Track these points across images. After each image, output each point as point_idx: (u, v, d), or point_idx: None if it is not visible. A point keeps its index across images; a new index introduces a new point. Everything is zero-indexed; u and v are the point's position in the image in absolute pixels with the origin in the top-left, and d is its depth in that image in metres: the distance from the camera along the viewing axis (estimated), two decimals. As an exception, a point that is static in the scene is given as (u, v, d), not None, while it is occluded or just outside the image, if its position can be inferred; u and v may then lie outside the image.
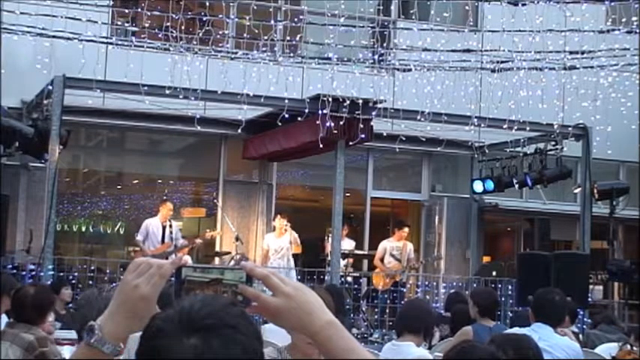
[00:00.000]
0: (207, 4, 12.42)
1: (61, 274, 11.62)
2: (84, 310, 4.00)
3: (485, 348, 3.00)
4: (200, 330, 1.41)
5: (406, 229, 14.14)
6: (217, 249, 14.51)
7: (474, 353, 2.89)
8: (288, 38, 12.90)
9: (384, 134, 13.61)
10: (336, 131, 11.79)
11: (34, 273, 11.49)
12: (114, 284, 11.88)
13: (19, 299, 5.02)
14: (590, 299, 12.15)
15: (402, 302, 11.86)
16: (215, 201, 15.06)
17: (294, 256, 13.73)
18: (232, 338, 1.42)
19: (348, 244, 14.05)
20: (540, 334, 5.61)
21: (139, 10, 12.55)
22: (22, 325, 4.82)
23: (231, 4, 12.68)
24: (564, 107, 14.22)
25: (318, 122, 11.65)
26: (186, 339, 1.40)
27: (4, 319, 5.91)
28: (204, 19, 12.26)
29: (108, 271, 13.10)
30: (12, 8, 11.87)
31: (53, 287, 8.71)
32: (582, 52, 12.65)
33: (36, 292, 4.97)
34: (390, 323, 12.58)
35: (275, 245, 13.48)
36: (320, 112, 11.65)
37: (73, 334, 5.74)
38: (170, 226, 12.93)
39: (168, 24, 11.71)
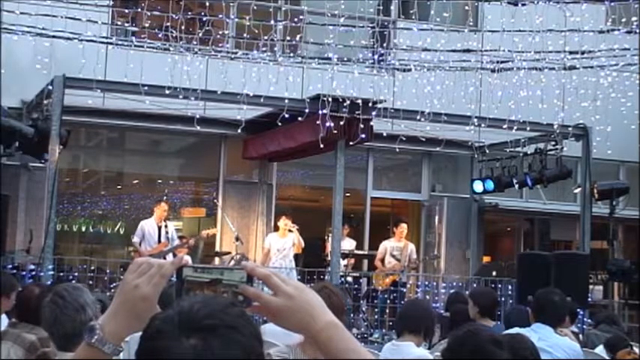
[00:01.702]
0: (207, 4, 12.41)
1: (61, 274, 11.63)
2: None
3: (488, 333, 3.03)
4: (200, 330, 1.41)
5: (404, 226, 14.10)
6: (217, 249, 14.51)
7: (479, 335, 2.93)
8: (288, 38, 12.90)
9: (384, 134, 13.59)
10: (336, 131, 11.78)
11: (34, 273, 11.48)
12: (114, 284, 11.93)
13: (23, 299, 5.01)
14: (590, 299, 12.15)
15: (402, 302, 11.86)
16: (215, 201, 15.05)
17: (295, 256, 13.74)
18: (232, 339, 1.41)
19: (348, 244, 14.05)
20: (540, 334, 5.62)
21: (139, 10, 12.54)
22: (24, 325, 4.81)
23: (231, 4, 12.68)
24: (564, 107, 14.20)
25: (318, 122, 11.65)
26: (185, 339, 1.40)
27: (4, 319, 5.91)
28: (204, 19, 12.25)
29: (108, 271, 13.09)
30: (12, 8, 11.86)
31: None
32: (582, 52, 12.65)
33: (40, 292, 4.96)
34: (390, 323, 12.58)
35: (278, 245, 13.47)
36: (320, 112, 11.64)
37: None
38: (166, 226, 12.92)
39: (168, 24, 11.71)
